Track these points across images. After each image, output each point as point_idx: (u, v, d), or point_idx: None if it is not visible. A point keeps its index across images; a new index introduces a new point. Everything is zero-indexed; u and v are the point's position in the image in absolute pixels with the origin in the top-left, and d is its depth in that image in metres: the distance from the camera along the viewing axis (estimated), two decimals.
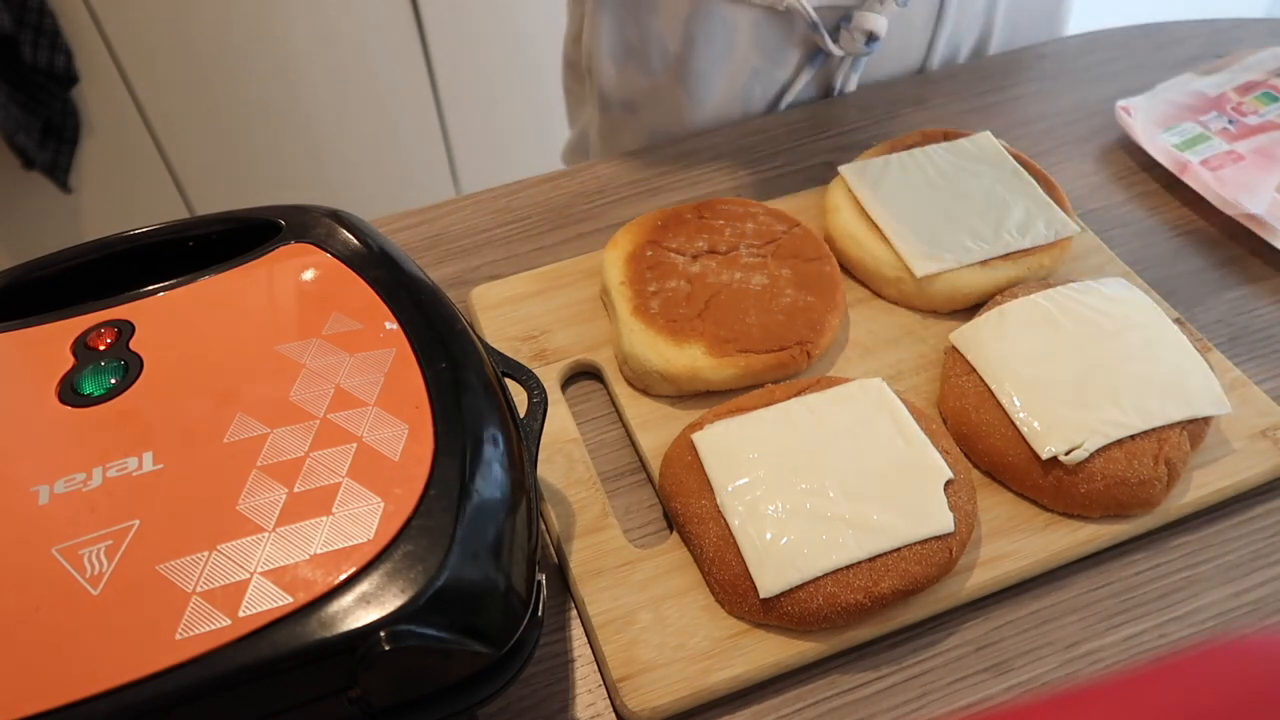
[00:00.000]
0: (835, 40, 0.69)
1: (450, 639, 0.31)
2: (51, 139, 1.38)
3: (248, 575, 0.30)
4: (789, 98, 0.73)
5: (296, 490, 0.32)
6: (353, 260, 0.40)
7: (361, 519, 0.32)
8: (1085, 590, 0.46)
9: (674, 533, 0.48)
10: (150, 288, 0.39)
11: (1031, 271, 0.56)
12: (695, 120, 0.74)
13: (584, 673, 0.44)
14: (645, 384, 0.53)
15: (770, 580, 0.42)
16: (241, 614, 0.29)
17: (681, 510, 0.46)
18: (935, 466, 0.45)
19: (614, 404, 0.54)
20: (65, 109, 1.37)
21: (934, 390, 0.53)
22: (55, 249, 0.42)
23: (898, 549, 0.43)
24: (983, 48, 0.78)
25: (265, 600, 0.30)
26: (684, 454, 0.48)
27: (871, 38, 0.68)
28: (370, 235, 0.42)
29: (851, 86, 0.74)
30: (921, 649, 0.45)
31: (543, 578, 0.36)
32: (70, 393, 0.36)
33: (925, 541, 0.43)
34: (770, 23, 0.68)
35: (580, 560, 0.46)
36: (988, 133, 0.63)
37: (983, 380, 0.50)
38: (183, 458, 0.33)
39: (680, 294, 0.54)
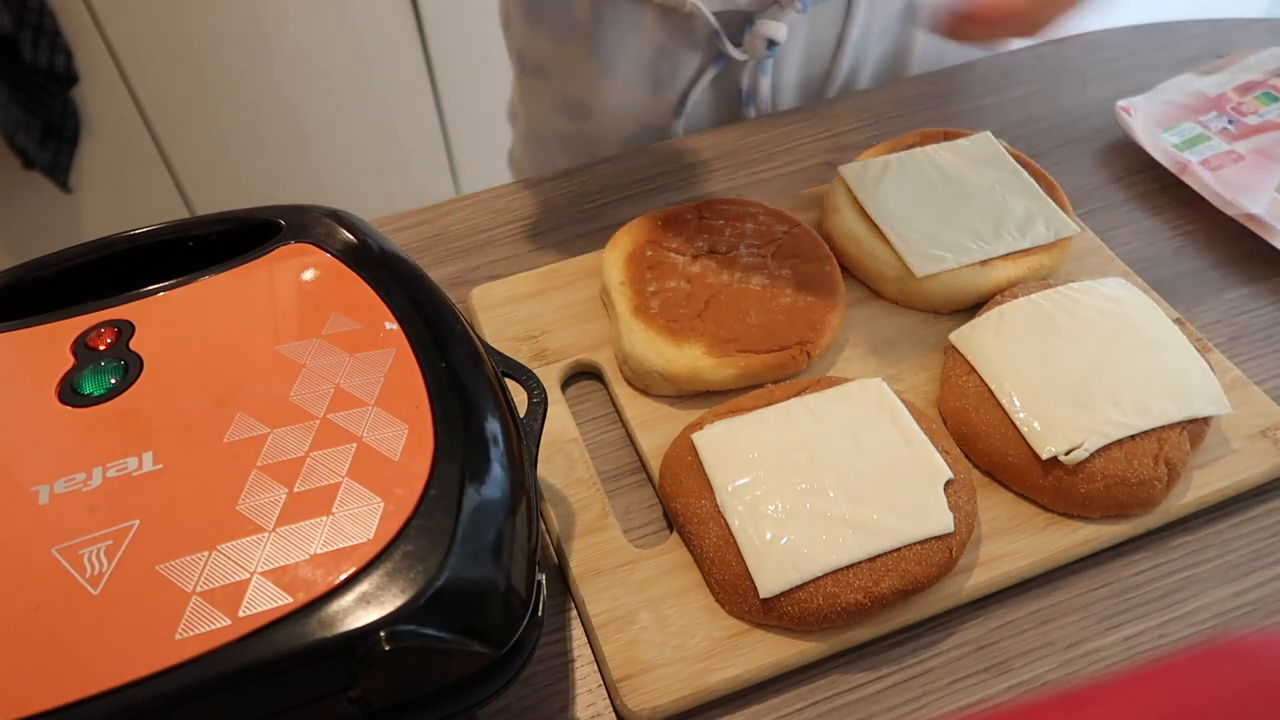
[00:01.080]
0: (738, 44, 0.69)
1: (450, 639, 0.31)
2: (51, 139, 1.38)
3: (248, 575, 0.30)
4: (695, 93, 0.73)
5: (296, 490, 0.32)
6: (353, 260, 0.40)
7: (361, 519, 0.32)
8: (1085, 590, 0.46)
9: (674, 533, 0.48)
10: (150, 288, 0.39)
11: (1031, 271, 0.56)
12: (607, 93, 0.74)
13: (584, 673, 0.44)
14: (645, 384, 0.53)
15: (770, 580, 0.42)
16: (241, 614, 0.29)
17: (681, 510, 0.46)
18: (935, 466, 0.45)
19: (614, 404, 0.54)
20: (65, 109, 1.37)
21: (934, 390, 0.53)
22: (55, 249, 0.42)
23: (898, 549, 0.43)
24: (903, 55, 0.78)
25: (265, 600, 0.30)
26: (684, 454, 0.48)
27: (772, 43, 0.68)
28: (370, 235, 0.42)
29: (764, 91, 0.74)
30: (921, 649, 0.45)
31: (543, 578, 0.36)
32: (70, 393, 0.36)
33: (925, 541, 0.43)
34: (675, 19, 0.69)
35: (580, 560, 0.46)
36: (987, 133, 0.63)
37: (983, 380, 0.50)
38: (183, 458, 0.33)
39: (680, 294, 0.54)
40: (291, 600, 0.30)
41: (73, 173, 1.44)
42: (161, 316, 0.38)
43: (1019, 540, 0.47)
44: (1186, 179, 0.64)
